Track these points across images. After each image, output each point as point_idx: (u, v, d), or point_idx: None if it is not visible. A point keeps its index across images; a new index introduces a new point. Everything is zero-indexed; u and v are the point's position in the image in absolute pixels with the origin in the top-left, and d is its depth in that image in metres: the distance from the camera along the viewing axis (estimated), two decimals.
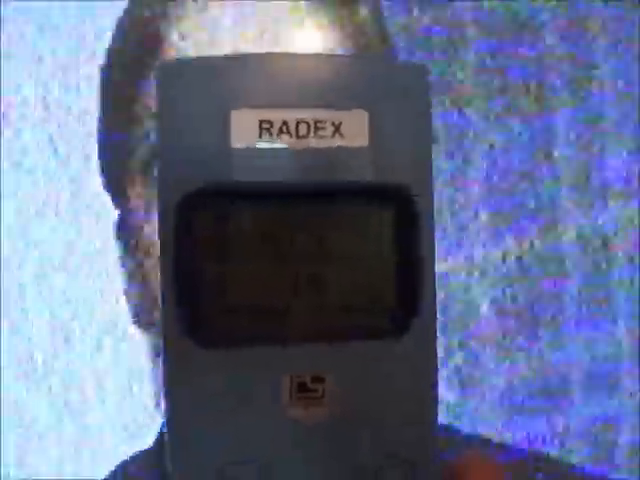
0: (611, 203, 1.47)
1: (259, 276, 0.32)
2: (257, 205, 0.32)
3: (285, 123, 0.31)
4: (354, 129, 0.32)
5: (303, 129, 0.31)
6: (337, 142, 0.32)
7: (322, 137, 0.31)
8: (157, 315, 0.51)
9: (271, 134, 0.31)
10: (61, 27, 1.18)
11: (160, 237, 0.31)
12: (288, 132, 0.31)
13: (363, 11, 0.53)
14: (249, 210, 0.32)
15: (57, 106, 1.20)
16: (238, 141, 0.31)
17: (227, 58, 0.33)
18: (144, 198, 0.52)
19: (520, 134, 1.43)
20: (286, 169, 0.31)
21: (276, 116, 0.31)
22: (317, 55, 0.43)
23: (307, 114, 0.31)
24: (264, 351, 0.31)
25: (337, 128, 0.32)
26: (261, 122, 0.31)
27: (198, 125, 0.31)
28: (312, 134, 0.31)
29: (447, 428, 0.60)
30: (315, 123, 0.31)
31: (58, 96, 1.19)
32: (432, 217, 0.32)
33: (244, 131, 0.31)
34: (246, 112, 0.31)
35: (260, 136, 0.31)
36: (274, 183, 0.31)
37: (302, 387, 0.31)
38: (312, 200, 0.32)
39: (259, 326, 0.32)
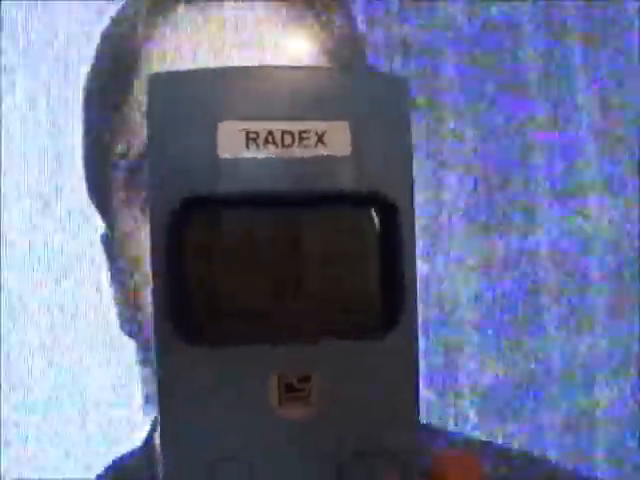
0: (591, 203, 1.48)
1: (247, 278, 0.33)
2: (244, 212, 0.33)
3: (270, 133, 0.32)
4: (337, 139, 0.33)
5: (288, 139, 0.32)
6: (320, 151, 0.33)
7: (306, 147, 0.32)
8: (142, 322, 0.52)
9: (257, 144, 0.32)
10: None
11: (152, 244, 0.32)
12: (274, 142, 0.32)
13: (338, 22, 0.54)
14: (237, 217, 0.33)
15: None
16: (225, 151, 0.32)
17: (215, 71, 0.34)
18: (128, 209, 0.53)
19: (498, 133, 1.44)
20: (272, 178, 0.32)
21: (262, 127, 0.32)
22: (301, 68, 0.44)
23: (292, 125, 0.32)
24: (252, 350, 0.32)
25: (320, 138, 0.33)
26: (247, 133, 0.32)
27: (187, 136, 0.32)
28: (296, 144, 0.32)
29: (428, 426, 0.61)
30: (299, 133, 0.32)
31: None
32: (413, 222, 0.33)
33: (231, 142, 0.32)
34: (233, 123, 0.32)
35: (247, 146, 0.32)
36: (260, 192, 0.32)
37: (289, 387, 0.32)
38: (297, 207, 0.33)
39: (247, 326, 0.33)
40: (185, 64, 0.49)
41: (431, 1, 1.42)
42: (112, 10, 0.57)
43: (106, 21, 0.57)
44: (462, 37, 1.40)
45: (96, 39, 0.57)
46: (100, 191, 0.57)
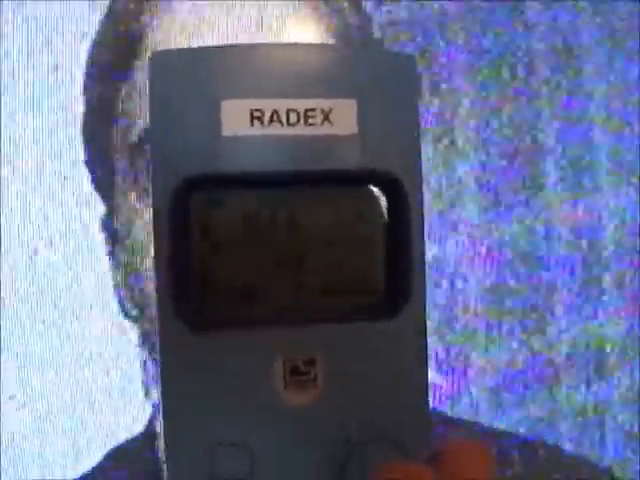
0: (605, 191, 1.48)
1: (251, 262, 0.32)
2: (249, 193, 0.32)
3: (275, 112, 0.32)
4: (343, 117, 0.32)
5: (293, 117, 0.32)
6: (326, 130, 0.32)
7: (312, 125, 0.32)
8: (144, 307, 0.52)
9: (262, 122, 0.32)
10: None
11: (154, 223, 0.31)
12: (279, 120, 0.32)
13: (346, 5, 0.54)
14: (241, 198, 0.32)
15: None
16: (229, 130, 0.31)
17: (218, 49, 0.33)
18: (130, 191, 0.53)
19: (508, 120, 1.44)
20: (277, 157, 0.32)
21: (267, 105, 0.32)
22: (307, 45, 0.44)
23: (297, 103, 0.32)
24: (256, 334, 0.32)
25: (326, 116, 0.32)
26: (252, 111, 0.32)
27: (190, 114, 0.31)
28: (302, 122, 0.32)
29: (436, 412, 0.61)
30: (305, 112, 0.32)
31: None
32: (421, 201, 0.33)
33: (235, 120, 0.31)
34: (237, 101, 0.32)
35: (251, 124, 0.32)
36: (265, 172, 0.32)
37: (295, 370, 0.32)
38: (304, 187, 0.33)
39: (251, 309, 0.32)
40: (187, 42, 0.48)
41: None
42: None
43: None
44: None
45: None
46: (100, 173, 0.57)
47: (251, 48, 0.33)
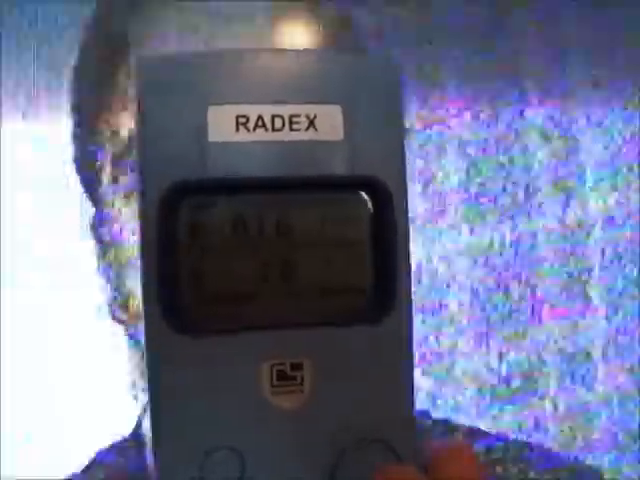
0: (590, 194, 1.48)
1: (237, 266, 0.32)
2: (234, 198, 0.33)
3: (261, 117, 0.32)
4: (328, 123, 0.32)
5: (278, 123, 0.32)
6: (311, 136, 0.32)
7: (297, 131, 0.32)
8: (131, 310, 0.52)
9: (247, 128, 0.32)
10: None
11: (141, 229, 0.31)
12: (264, 126, 0.32)
13: (333, 11, 0.54)
14: (227, 203, 0.33)
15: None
16: (215, 136, 0.32)
17: (204, 54, 0.34)
18: (116, 195, 0.53)
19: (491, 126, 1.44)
20: (262, 162, 0.32)
21: (252, 111, 0.32)
22: (292, 51, 0.44)
23: (282, 109, 0.32)
24: (243, 338, 0.32)
25: (312, 122, 0.32)
26: (237, 117, 0.32)
27: (176, 120, 0.31)
28: (287, 128, 0.32)
29: (424, 414, 0.61)
30: (290, 117, 0.32)
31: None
32: (406, 206, 0.33)
33: (221, 126, 0.32)
34: (222, 107, 0.32)
35: (237, 130, 0.32)
36: (251, 177, 0.32)
37: (282, 375, 0.32)
38: (288, 192, 0.33)
39: (239, 314, 0.32)
40: (173, 47, 0.48)
41: None
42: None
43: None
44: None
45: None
46: (87, 176, 0.57)
47: (237, 53, 0.33)
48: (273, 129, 0.32)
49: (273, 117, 0.32)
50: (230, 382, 0.32)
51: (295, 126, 0.32)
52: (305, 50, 0.48)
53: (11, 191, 1.25)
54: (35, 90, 1.26)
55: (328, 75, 0.33)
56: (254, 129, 0.32)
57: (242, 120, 0.32)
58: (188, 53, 0.34)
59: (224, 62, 0.32)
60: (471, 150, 1.43)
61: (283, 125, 0.32)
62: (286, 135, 0.32)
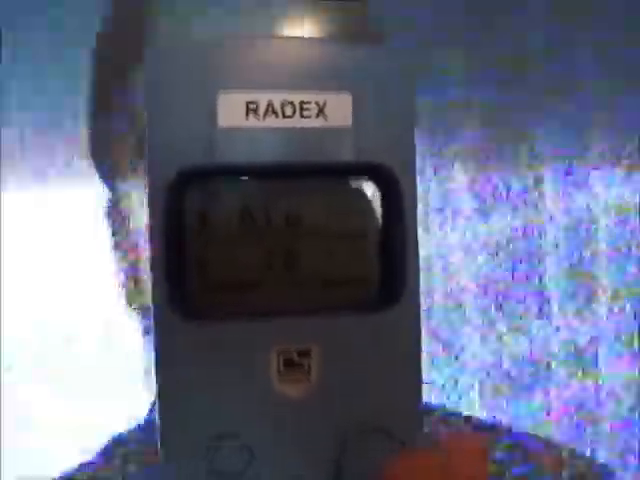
0: (596, 184, 1.48)
1: (245, 253, 0.33)
2: (243, 184, 0.33)
3: (271, 104, 0.32)
4: (338, 110, 0.32)
5: (288, 110, 0.32)
6: (321, 123, 0.32)
7: (307, 118, 0.32)
8: (146, 297, 0.52)
9: (257, 115, 0.32)
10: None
11: (149, 215, 0.32)
12: (274, 112, 0.32)
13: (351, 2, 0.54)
14: (236, 190, 0.33)
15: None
16: (225, 122, 0.32)
17: (214, 41, 0.33)
18: (131, 182, 0.53)
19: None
20: (272, 149, 0.32)
21: (262, 97, 0.32)
22: (302, 39, 0.44)
23: (292, 96, 0.32)
24: (251, 325, 0.32)
25: (321, 109, 0.32)
26: (247, 103, 0.32)
27: (186, 107, 0.32)
28: (297, 115, 0.32)
29: (430, 405, 0.61)
30: (300, 104, 0.32)
31: None
32: (415, 195, 0.33)
33: (231, 112, 0.32)
34: (233, 93, 0.32)
35: (247, 117, 0.32)
36: (260, 164, 0.32)
37: (289, 362, 0.32)
38: (297, 179, 0.33)
39: (245, 301, 0.33)
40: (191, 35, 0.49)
41: None
42: None
43: None
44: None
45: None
46: (104, 162, 0.57)
47: (247, 40, 0.33)
48: (283, 115, 0.32)
49: (283, 104, 0.32)
50: (237, 369, 0.32)
51: (305, 113, 0.32)
52: (316, 38, 0.48)
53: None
54: None
55: (339, 63, 0.33)
56: (264, 116, 0.32)
57: (252, 106, 0.32)
58: (198, 40, 0.34)
59: (234, 49, 0.32)
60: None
61: (293, 112, 0.32)
62: (296, 122, 0.32)
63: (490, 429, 0.64)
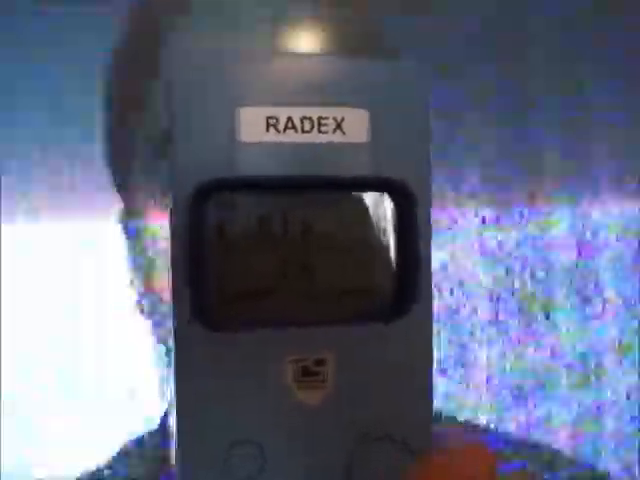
0: (604, 192, 1.48)
1: (264, 264, 0.33)
2: (263, 197, 0.33)
3: (290, 119, 0.33)
4: (355, 126, 0.33)
5: (307, 125, 0.33)
6: (339, 138, 0.33)
7: (325, 133, 0.33)
8: (160, 304, 0.52)
9: (277, 129, 0.33)
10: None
11: (171, 228, 0.32)
12: (293, 127, 0.33)
13: (357, 11, 0.54)
14: (253, 201, 0.33)
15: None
16: (245, 136, 0.33)
17: (235, 55, 0.34)
18: (147, 191, 0.53)
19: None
20: (290, 162, 0.33)
21: (282, 112, 0.33)
22: (321, 55, 0.44)
23: (311, 111, 0.33)
24: (269, 334, 0.33)
25: (339, 125, 0.33)
26: (267, 118, 0.33)
27: (206, 119, 0.32)
28: (315, 130, 0.33)
29: (441, 414, 0.61)
30: (318, 119, 0.33)
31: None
32: (429, 208, 0.34)
33: (251, 126, 0.32)
34: (253, 108, 0.33)
35: (267, 131, 0.33)
36: (278, 176, 0.33)
37: (305, 371, 0.33)
38: (314, 192, 0.34)
39: (264, 310, 0.33)
40: (208, 43, 0.49)
41: None
42: None
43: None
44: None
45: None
46: (120, 172, 0.57)
47: (267, 55, 0.34)
48: (302, 130, 0.33)
49: (302, 119, 0.33)
50: (255, 377, 0.32)
51: (323, 128, 0.33)
52: (334, 55, 0.49)
53: None
54: None
55: (356, 79, 0.33)
56: (284, 130, 0.33)
57: (272, 121, 0.33)
58: (219, 52, 0.34)
59: (255, 63, 0.33)
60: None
61: (312, 127, 0.33)
62: (314, 137, 0.33)
63: (497, 437, 0.64)
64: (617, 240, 1.48)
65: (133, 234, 0.57)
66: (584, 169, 1.46)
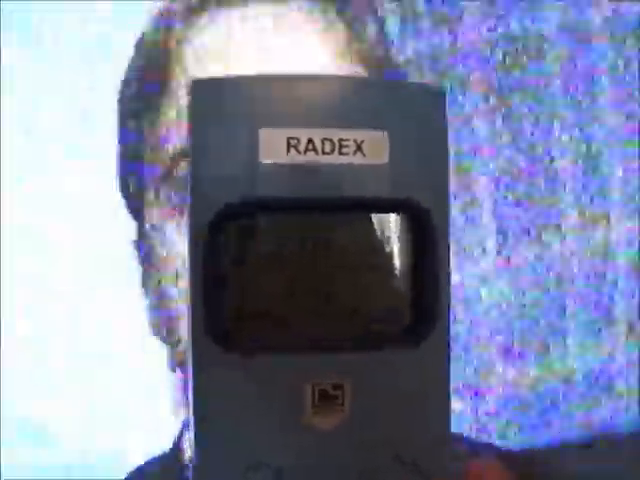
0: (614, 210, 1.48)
1: (284, 287, 0.33)
2: (283, 219, 0.33)
3: (311, 141, 0.33)
4: (375, 148, 0.33)
5: (328, 147, 0.33)
6: (359, 160, 0.33)
7: (345, 155, 0.33)
8: (175, 328, 0.52)
9: (298, 150, 0.33)
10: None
11: (190, 249, 0.32)
12: (314, 149, 0.33)
13: (370, 29, 0.55)
14: (275, 224, 0.33)
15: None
16: (266, 157, 0.32)
17: (257, 78, 0.34)
18: (160, 214, 0.53)
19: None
20: (311, 184, 0.33)
21: (302, 134, 0.33)
22: (341, 77, 0.44)
23: (332, 132, 0.33)
24: (287, 359, 0.33)
25: (359, 146, 0.33)
26: (288, 139, 0.33)
27: (228, 141, 0.32)
28: (336, 152, 0.33)
29: (455, 435, 0.61)
30: (339, 141, 0.33)
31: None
32: (447, 232, 0.34)
33: (272, 147, 0.32)
34: (274, 130, 0.33)
35: (287, 152, 0.33)
36: (300, 197, 0.33)
37: (323, 395, 0.32)
38: (334, 214, 0.33)
39: (282, 335, 0.33)
40: (219, 65, 0.49)
41: None
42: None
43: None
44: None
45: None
46: (133, 196, 0.58)
47: (288, 78, 0.34)
48: (323, 152, 0.33)
49: (323, 140, 0.33)
50: (273, 401, 0.32)
51: (344, 150, 0.33)
52: (354, 77, 0.49)
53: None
54: None
55: (375, 102, 0.33)
56: (305, 151, 0.33)
57: (293, 142, 0.32)
58: (241, 76, 0.34)
59: (276, 86, 0.33)
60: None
61: (333, 149, 0.33)
62: (335, 158, 0.33)
63: (513, 458, 0.64)
64: None
65: (147, 257, 0.57)
66: None
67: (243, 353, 0.32)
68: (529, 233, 1.43)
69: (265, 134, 0.32)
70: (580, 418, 1.44)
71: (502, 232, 1.44)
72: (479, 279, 1.41)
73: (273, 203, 0.33)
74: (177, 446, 0.60)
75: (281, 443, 0.32)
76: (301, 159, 0.33)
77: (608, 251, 1.45)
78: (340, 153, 0.33)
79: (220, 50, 0.51)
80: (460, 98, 1.39)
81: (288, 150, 0.32)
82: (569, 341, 1.47)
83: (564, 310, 1.47)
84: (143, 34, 0.57)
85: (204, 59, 0.52)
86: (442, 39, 1.35)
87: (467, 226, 1.41)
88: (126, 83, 0.58)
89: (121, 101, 0.58)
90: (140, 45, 0.57)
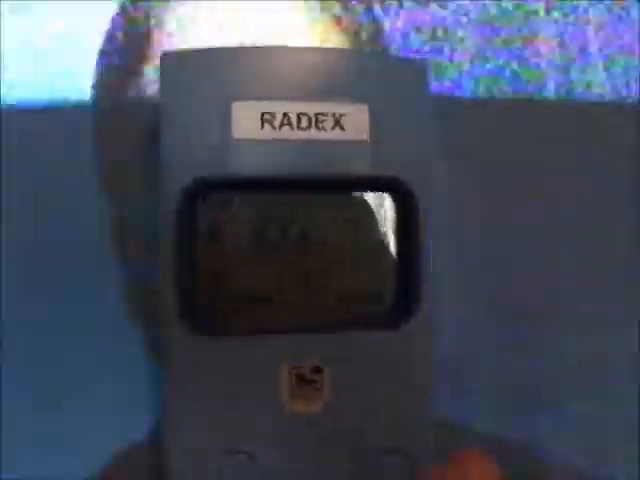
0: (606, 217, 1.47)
1: (257, 268, 0.32)
2: (258, 198, 0.32)
3: (286, 115, 0.31)
4: (355, 123, 0.32)
5: (304, 122, 0.32)
6: (337, 135, 0.32)
7: (323, 130, 0.32)
8: (149, 310, 0.51)
9: (273, 126, 0.31)
10: None
11: (161, 225, 0.31)
12: (289, 124, 0.31)
13: (357, 8, 0.54)
14: (248, 203, 0.32)
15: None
16: (239, 132, 0.31)
17: (229, 50, 0.33)
18: (140, 196, 0.53)
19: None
20: (286, 161, 0.32)
21: (278, 108, 0.31)
22: (318, 49, 0.43)
23: (308, 107, 0.32)
24: (263, 340, 0.32)
25: (338, 121, 0.32)
26: (263, 114, 0.31)
27: (200, 116, 0.31)
28: (313, 127, 0.32)
29: (442, 421, 0.61)
30: (316, 116, 0.32)
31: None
32: (430, 211, 0.33)
33: (245, 122, 0.31)
34: (247, 103, 0.31)
35: (262, 128, 0.31)
36: (274, 176, 0.32)
37: (301, 379, 0.32)
38: (311, 193, 0.32)
39: (258, 316, 0.32)
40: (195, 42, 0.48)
41: None
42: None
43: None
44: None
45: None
46: (109, 173, 0.57)
47: (263, 50, 0.33)
48: (299, 127, 0.32)
49: (299, 115, 0.32)
50: (248, 385, 0.32)
51: (321, 125, 0.32)
52: (331, 48, 0.48)
53: None
54: None
55: (356, 74, 0.32)
56: (280, 127, 0.31)
57: (267, 117, 0.31)
58: (213, 48, 0.33)
59: (249, 58, 0.32)
60: None
61: (309, 124, 0.32)
62: (312, 134, 0.32)
63: (502, 445, 0.64)
64: None
65: (127, 242, 0.57)
66: None
67: (216, 334, 0.31)
68: None
69: (238, 108, 0.31)
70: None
71: None
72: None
73: (244, 181, 0.31)
74: (154, 433, 0.60)
75: (258, 429, 0.32)
76: (276, 135, 0.32)
77: None
78: (317, 128, 0.32)
79: (205, 17, 0.51)
80: None
81: (262, 125, 0.31)
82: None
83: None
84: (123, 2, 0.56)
85: (188, 26, 0.51)
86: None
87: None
88: (105, 53, 0.57)
89: (100, 72, 0.58)
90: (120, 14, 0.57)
